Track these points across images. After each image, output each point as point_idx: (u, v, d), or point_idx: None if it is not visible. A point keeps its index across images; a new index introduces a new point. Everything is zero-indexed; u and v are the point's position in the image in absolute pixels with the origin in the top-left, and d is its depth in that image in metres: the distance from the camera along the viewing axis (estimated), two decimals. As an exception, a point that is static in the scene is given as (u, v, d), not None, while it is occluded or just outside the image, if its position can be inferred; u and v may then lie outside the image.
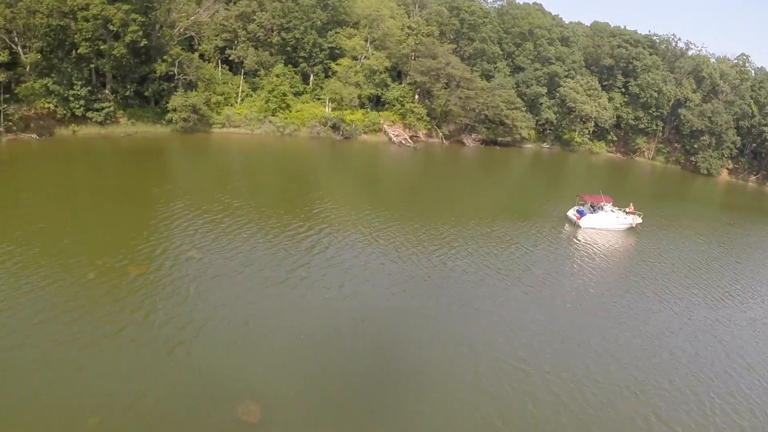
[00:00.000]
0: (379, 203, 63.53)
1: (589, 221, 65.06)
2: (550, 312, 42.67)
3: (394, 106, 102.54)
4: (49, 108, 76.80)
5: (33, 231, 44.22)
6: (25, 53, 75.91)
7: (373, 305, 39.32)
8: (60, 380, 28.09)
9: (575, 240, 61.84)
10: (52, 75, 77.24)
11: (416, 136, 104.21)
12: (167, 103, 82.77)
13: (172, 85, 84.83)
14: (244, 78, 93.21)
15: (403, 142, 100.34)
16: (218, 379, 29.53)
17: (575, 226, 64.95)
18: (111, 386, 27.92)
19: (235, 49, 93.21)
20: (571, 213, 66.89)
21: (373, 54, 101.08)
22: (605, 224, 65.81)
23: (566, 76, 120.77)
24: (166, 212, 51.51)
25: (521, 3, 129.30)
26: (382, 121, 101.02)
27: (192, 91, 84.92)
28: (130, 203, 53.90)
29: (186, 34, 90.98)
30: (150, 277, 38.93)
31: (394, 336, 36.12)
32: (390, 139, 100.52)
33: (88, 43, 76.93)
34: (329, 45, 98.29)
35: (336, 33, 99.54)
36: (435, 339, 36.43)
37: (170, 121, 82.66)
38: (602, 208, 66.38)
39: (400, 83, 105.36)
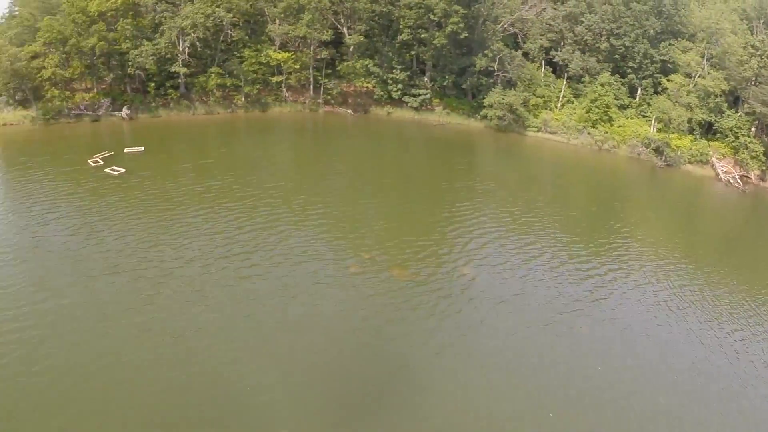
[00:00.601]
0: (687, 252, 50.32)
1: None
2: None
3: (726, 136, 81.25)
4: (367, 87, 73.51)
5: (314, 203, 41.51)
6: (349, 34, 73.69)
7: (622, 396, 29.23)
8: (249, 380, 25.44)
9: None
10: (374, 57, 73.89)
11: (747, 177, 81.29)
12: (484, 98, 73.98)
13: (491, 80, 75.80)
14: (567, 83, 79.21)
15: (731, 181, 78.46)
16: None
17: None
18: (305, 397, 24.89)
19: (560, 51, 79.82)
20: None
21: (709, 73, 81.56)
22: None
23: None
24: (450, 212, 46.53)
25: None
26: (711, 153, 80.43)
27: (511, 89, 74.61)
28: (418, 195, 50.09)
29: (510, 30, 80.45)
30: (408, 284, 34.61)
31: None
32: (717, 174, 79.35)
33: (410, 31, 72.53)
34: (661, 57, 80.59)
35: (670, 44, 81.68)
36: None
37: (485, 117, 73.76)
38: None
39: (736, 111, 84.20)
